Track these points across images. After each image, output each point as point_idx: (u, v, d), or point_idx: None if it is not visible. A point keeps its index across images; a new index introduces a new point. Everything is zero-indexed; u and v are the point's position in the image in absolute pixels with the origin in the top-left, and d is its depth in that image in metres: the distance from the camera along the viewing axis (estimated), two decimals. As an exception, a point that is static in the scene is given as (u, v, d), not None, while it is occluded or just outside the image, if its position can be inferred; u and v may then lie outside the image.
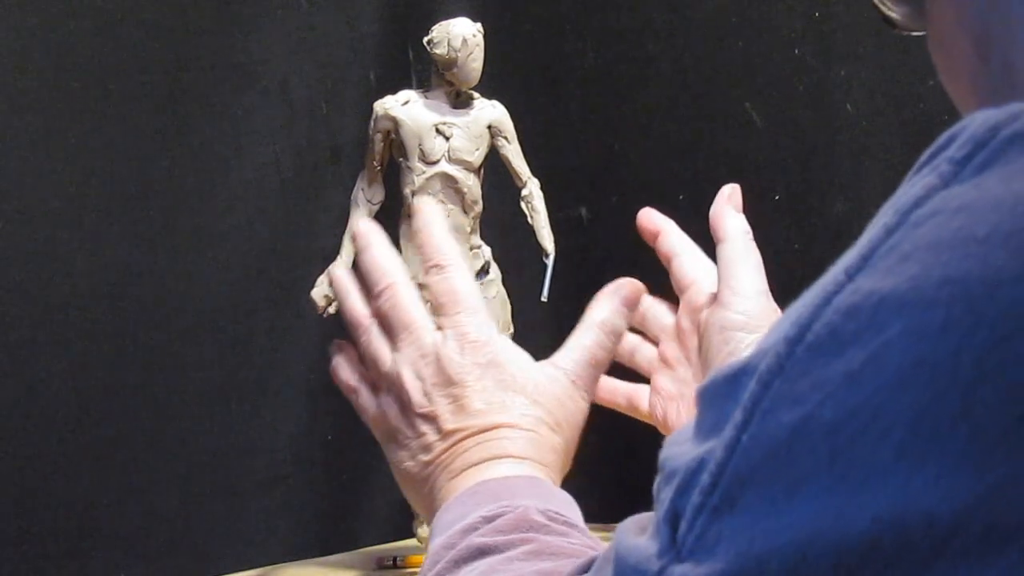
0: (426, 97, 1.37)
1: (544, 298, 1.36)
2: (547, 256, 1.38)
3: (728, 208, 0.95)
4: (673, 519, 0.48)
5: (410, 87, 1.44)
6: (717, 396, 0.48)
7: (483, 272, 1.37)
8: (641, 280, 0.98)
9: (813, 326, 0.45)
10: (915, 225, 0.45)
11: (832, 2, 1.55)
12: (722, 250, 0.93)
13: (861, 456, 0.43)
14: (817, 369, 0.44)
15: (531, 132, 1.50)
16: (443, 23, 1.36)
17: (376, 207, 1.38)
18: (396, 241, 1.36)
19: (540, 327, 1.66)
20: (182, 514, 1.59)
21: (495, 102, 1.40)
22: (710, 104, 1.63)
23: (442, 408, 0.81)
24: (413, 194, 1.35)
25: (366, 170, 1.39)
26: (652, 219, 1.00)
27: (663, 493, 0.49)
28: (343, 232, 1.42)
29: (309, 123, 1.64)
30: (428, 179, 1.35)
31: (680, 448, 0.49)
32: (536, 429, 0.81)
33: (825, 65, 1.56)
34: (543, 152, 1.54)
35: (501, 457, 0.80)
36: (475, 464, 0.80)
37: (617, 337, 0.88)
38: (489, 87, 1.44)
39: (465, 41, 1.34)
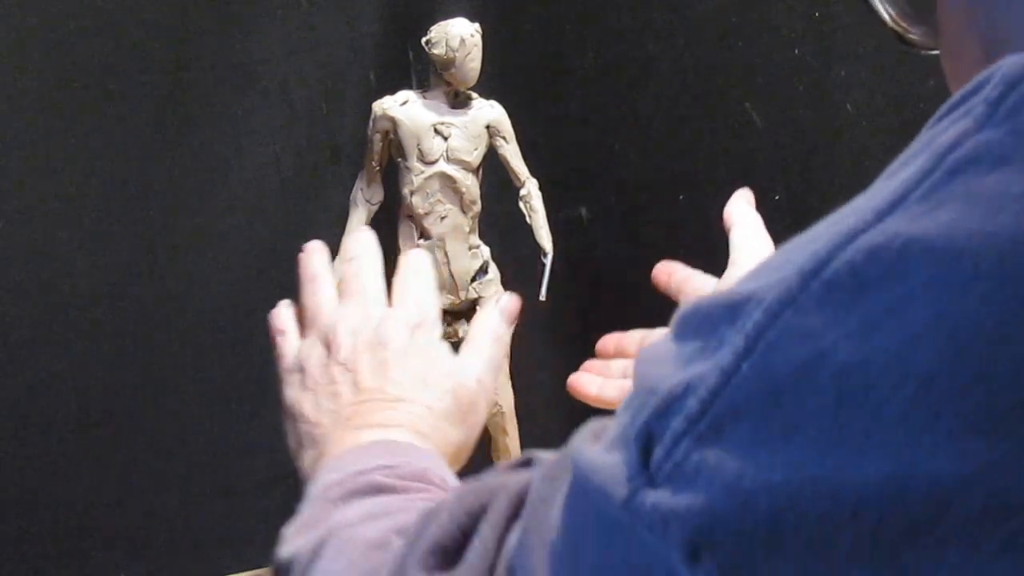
0: (424, 97, 1.37)
1: (542, 297, 1.36)
2: (545, 256, 1.38)
3: (741, 201, 0.97)
4: (646, 440, 0.46)
5: (410, 87, 1.44)
6: (710, 321, 0.46)
7: (482, 272, 1.37)
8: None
9: (832, 263, 0.43)
10: (951, 171, 0.43)
11: (832, 2, 1.55)
12: (733, 236, 0.95)
13: (870, 407, 0.41)
14: (833, 307, 0.42)
15: (531, 132, 1.50)
16: (441, 23, 1.36)
17: (375, 207, 1.38)
18: (395, 241, 1.36)
19: (539, 327, 1.67)
20: (182, 514, 1.59)
21: (493, 102, 1.40)
22: (710, 104, 1.63)
23: (364, 365, 0.83)
24: (412, 194, 1.35)
25: (365, 170, 1.39)
26: (664, 267, 1.03)
27: (633, 410, 0.47)
28: (343, 232, 1.42)
29: (309, 123, 1.64)
30: (427, 179, 1.35)
31: (658, 368, 0.47)
32: (445, 420, 0.83)
33: (825, 65, 1.56)
34: (543, 152, 1.54)
35: (407, 427, 0.81)
36: (381, 424, 0.81)
37: (505, 345, 0.90)
38: (489, 87, 1.44)
39: (463, 41, 1.33)
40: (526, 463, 0.62)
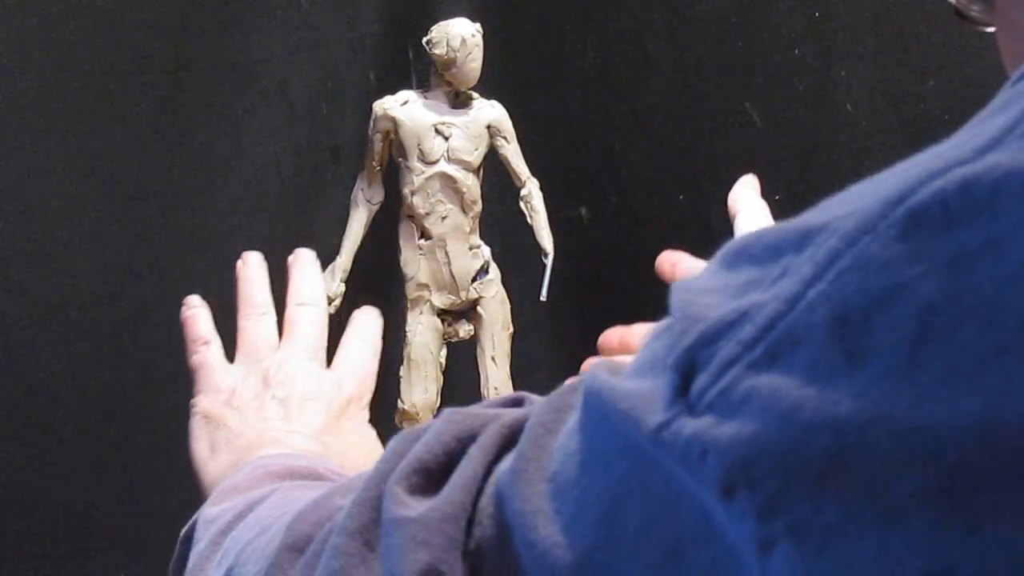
0: (425, 97, 1.36)
1: (543, 297, 1.36)
2: (546, 256, 1.37)
3: (747, 188, 0.97)
4: (687, 367, 0.43)
5: (410, 87, 1.44)
6: (773, 250, 0.43)
7: (482, 272, 1.37)
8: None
9: (919, 191, 0.40)
10: None
11: (832, 2, 1.55)
12: (737, 223, 0.95)
13: (958, 346, 0.38)
14: (918, 239, 0.40)
15: (531, 132, 1.49)
16: (442, 23, 1.36)
17: (376, 207, 1.38)
18: (395, 241, 1.36)
19: (539, 326, 1.66)
20: (182, 514, 1.59)
21: (494, 102, 1.40)
22: (710, 104, 1.63)
23: (298, 411, 0.84)
24: (412, 194, 1.34)
25: (366, 170, 1.39)
26: (667, 256, 1.02)
27: (670, 337, 0.44)
28: (343, 232, 1.42)
29: (309, 123, 1.63)
30: (427, 179, 1.34)
31: (703, 297, 0.44)
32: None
33: (825, 65, 1.56)
34: (543, 152, 1.54)
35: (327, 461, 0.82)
36: (311, 451, 0.82)
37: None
38: (489, 87, 1.44)
39: (464, 41, 1.33)
40: (517, 402, 0.61)
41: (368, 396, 0.89)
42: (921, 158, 0.43)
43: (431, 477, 0.56)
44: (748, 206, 0.96)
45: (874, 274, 0.40)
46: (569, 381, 0.52)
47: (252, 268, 0.95)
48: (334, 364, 0.90)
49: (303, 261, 0.94)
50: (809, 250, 0.42)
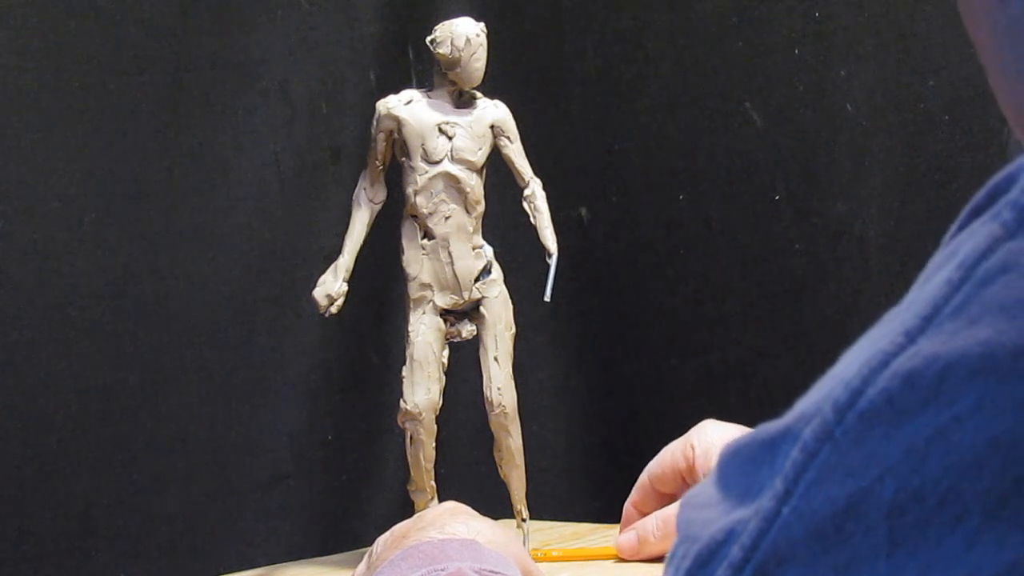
0: (429, 97, 1.36)
1: (547, 298, 1.35)
2: (550, 256, 1.37)
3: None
4: None
5: (410, 87, 1.44)
6: (750, 461, 0.44)
7: (485, 272, 1.37)
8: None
9: (867, 391, 0.41)
10: (983, 282, 0.41)
11: (832, 2, 1.55)
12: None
13: (929, 541, 0.39)
14: (872, 440, 0.40)
15: (531, 132, 1.49)
16: (446, 23, 1.35)
17: (378, 207, 1.38)
18: (398, 241, 1.36)
19: (542, 326, 1.67)
20: (182, 514, 1.59)
21: (498, 102, 1.39)
22: (710, 104, 1.63)
23: None
24: (416, 193, 1.34)
25: (368, 169, 1.38)
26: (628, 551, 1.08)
27: (676, 560, 0.45)
28: (343, 232, 1.42)
29: (309, 123, 1.63)
30: (431, 179, 1.34)
31: (701, 513, 0.45)
32: None
33: (825, 65, 1.56)
34: (543, 152, 1.54)
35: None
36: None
37: None
38: (489, 87, 1.44)
39: (468, 41, 1.33)
40: None
41: None
42: (866, 340, 0.43)
43: None
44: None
45: (838, 484, 0.41)
46: None
47: None
48: None
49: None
50: (778, 461, 0.43)
